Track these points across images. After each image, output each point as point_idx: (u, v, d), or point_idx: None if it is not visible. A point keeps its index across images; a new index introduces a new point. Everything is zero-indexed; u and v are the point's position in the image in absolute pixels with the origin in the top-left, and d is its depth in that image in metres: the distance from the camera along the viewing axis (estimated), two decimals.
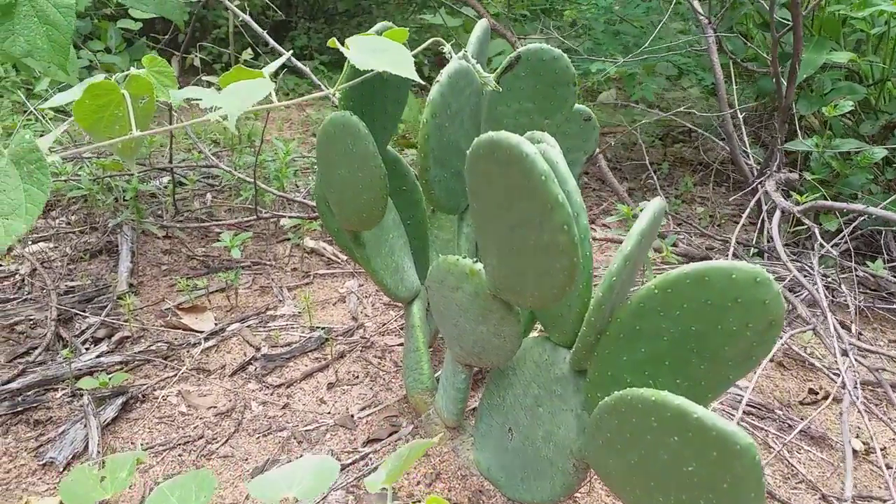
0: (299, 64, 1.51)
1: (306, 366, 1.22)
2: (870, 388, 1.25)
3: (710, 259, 1.75)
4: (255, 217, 1.71)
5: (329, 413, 1.10)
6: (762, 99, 2.10)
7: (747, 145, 1.65)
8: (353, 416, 1.09)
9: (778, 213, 1.41)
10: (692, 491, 0.60)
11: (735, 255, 1.61)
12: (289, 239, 1.70)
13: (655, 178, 2.19)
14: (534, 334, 0.92)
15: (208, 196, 1.91)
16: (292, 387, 1.16)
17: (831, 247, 1.48)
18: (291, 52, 0.90)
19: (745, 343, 0.67)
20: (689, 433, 0.57)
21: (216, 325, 1.35)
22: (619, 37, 2.11)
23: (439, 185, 0.83)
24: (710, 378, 0.70)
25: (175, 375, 1.16)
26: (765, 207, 1.54)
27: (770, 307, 0.64)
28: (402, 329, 1.36)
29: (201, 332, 1.32)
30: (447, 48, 0.83)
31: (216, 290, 1.48)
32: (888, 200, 1.51)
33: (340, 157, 0.82)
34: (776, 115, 1.48)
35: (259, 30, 1.48)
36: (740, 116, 1.59)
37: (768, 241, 1.57)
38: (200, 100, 0.73)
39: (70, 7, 0.92)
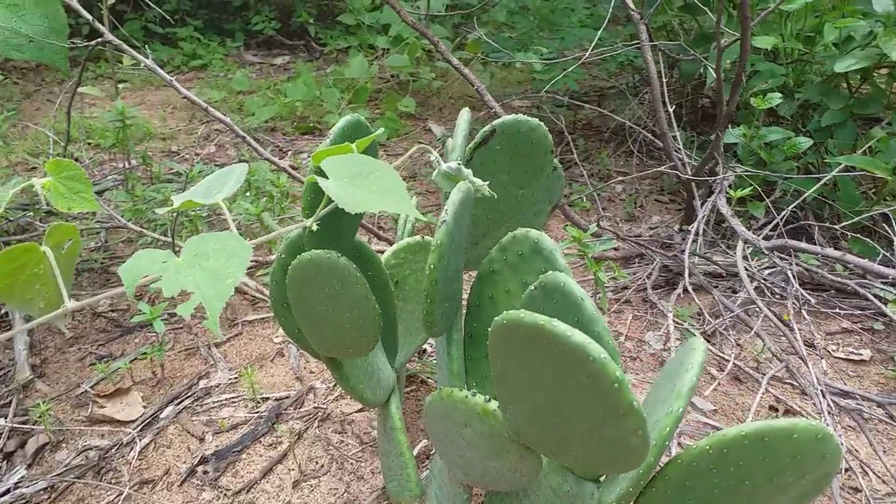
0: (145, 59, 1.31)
1: (262, 456, 1.10)
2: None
3: (644, 249, 1.75)
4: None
5: None
6: (684, 81, 2.08)
7: (680, 142, 1.62)
8: None
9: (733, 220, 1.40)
10: None
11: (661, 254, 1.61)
12: None
13: (575, 151, 2.15)
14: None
15: (101, 235, 1.69)
16: (253, 490, 1.04)
17: (762, 238, 1.49)
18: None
19: (798, 491, 0.63)
20: None
21: (145, 408, 1.20)
22: (528, 14, 2.01)
23: (441, 317, 0.73)
24: None
25: (118, 499, 1.02)
26: (702, 213, 1.52)
27: (829, 460, 0.61)
28: None
29: (131, 422, 1.16)
30: (434, 156, 0.71)
31: (136, 358, 1.32)
32: (818, 188, 1.53)
33: (324, 298, 0.70)
34: (717, 122, 1.45)
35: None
36: (671, 109, 1.55)
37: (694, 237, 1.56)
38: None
39: None
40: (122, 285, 0.57)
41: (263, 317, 1.47)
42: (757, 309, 1.43)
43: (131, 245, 1.69)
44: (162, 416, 1.18)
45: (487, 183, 0.74)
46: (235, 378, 1.28)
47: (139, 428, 1.15)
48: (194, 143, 2.49)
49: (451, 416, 0.73)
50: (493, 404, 0.69)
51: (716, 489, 0.63)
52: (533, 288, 0.70)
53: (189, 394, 1.23)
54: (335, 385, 1.26)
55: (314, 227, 0.68)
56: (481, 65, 3.03)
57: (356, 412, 1.20)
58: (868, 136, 1.69)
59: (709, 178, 1.51)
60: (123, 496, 1.02)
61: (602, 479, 0.73)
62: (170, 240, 1.36)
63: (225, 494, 1.03)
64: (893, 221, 1.45)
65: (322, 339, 0.75)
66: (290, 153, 2.47)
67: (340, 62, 3.47)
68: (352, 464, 1.09)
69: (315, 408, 1.21)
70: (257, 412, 1.19)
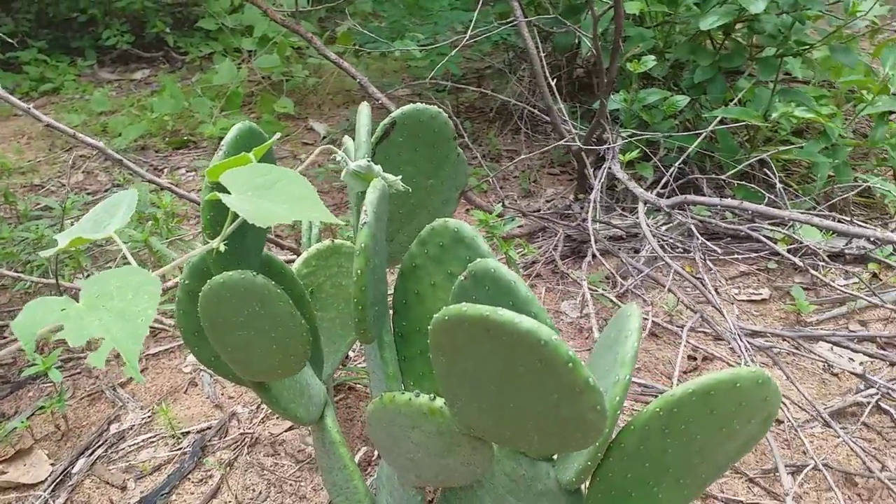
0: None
1: (193, 494, 1.04)
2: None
3: (547, 222, 1.78)
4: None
5: None
6: (558, 53, 2.12)
7: (566, 114, 1.65)
8: None
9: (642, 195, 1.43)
10: None
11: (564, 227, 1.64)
12: None
13: (465, 134, 2.15)
14: None
15: None
16: None
17: (655, 195, 1.54)
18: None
19: (745, 436, 0.65)
20: None
21: (53, 465, 1.10)
22: (396, 2, 1.98)
23: (373, 322, 0.70)
24: (710, 471, 0.68)
25: None
26: (597, 182, 1.56)
27: (770, 401, 0.63)
28: None
29: (39, 483, 1.07)
30: (340, 155, 0.68)
31: (34, 414, 1.21)
32: (700, 143, 1.60)
33: (243, 321, 0.65)
34: (599, 90, 1.48)
35: None
36: (552, 83, 1.57)
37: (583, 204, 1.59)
38: None
39: None
40: (15, 341, 0.51)
41: (167, 347, 1.38)
42: (662, 265, 1.48)
43: (6, 292, 1.54)
44: (74, 470, 1.09)
45: (399, 177, 0.71)
46: (149, 416, 1.20)
47: (50, 488, 1.05)
48: (59, 172, 2.31)
49: (396, 420, 0.71)
50: (439, 402, 0.67)
51: (669, 449, 0.64)
52: (462, 278, 0.69)
53: (100, 442, 1.14)
54: (259, 406, 1.21)
55: (221, 248, 0.63)
56: (354, 57, 2.98)
57: (285, 431, 1.15)
58: (735, 88, 1.79)
59: (600, 145, 1.55)
60: None
61: (555, 457, 0.73)
62: (52, 281, 1.25)
63: None
64: (772, 164, 1.54)
65: (247, 364, 0.70)
66: (166, 170, 2.34)
67: (206, 69, 3.31)
68: (291, 485, 1.05)
69: (241, 434, 1.15)
70: (180, 448, 1.12)
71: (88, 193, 2.12)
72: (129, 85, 3.37)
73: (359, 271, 0.63)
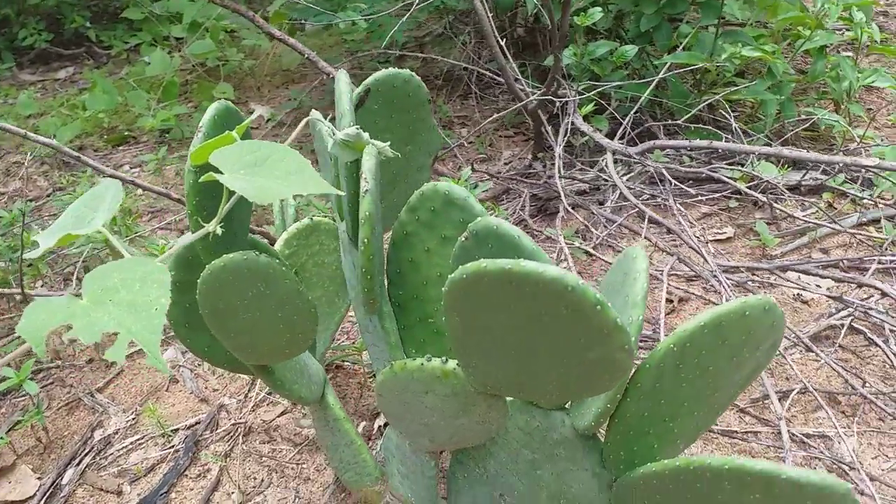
0: None
1: (192, 490, 1.02)
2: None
3: (512, 183, 1.78)
4: (19, 300, 1.35)
5: None
6: (500, 14, 2.10)
7: (518, 73, 1.65)
8: None
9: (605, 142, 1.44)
10: None
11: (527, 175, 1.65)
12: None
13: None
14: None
15: None
16: None
17: (618, 144, 1.56)
18: None
19: (753, 363, 0.67)
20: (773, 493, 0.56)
21: (40, 479, 1.06)
22: None
23: (380, 291, 0.69)
24: (722, 402, 0.70)
25: None
26: (560, 139, 1.56)
27: (776, 327, 0.64)
28: (269, 394, 1.19)
29: (28, 499, 1.03)
30: (327, 126, 0.67)
31: (12, 429, 1.16)
32: (651, 91, 1.62)
33: (248, 302, 0.63)
34: (553, 46, 1.48)
35: None
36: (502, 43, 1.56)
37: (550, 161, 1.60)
38: None
39: None
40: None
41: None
42: (631, 215, 1.51)
43: None
44: (63, 482, 1.05)
45: (388, 143, 0.70)
46: (133, 418, 1.17)
47: (41, 502, 1.02)
48: None
49: (409, 387, 0.70)
50: (451, 364, 0.67)
51: (684, 383, 0.66)
52: (463, 238, 0.68)
53: (86, 450, 1.11)
54: (247, 395, 1.19)
55: (218, 231, 0.61)
56: (290, 35, 2.91)
57: (279, 417, 1.14)
58: (679, 34, 1.81)
59: (556, 102, 1.55)
60: None
61: (568, 405, 0.74)
62: (16, 291, 1.19)
63: None
64: (725, 106, 1.57)
65: (253, 348, 0.68)
66: (109, 168, 2.26)
67: (134, 62, 3.19)
68: (292, 468, 1.04)
69: (233, 424, 1.13)
70: (171, 446, 1.09)
71: (30, 200, 2.03)
72: (54, 85, 3.22)
73: (365, 240, 0.62)
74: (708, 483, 0.60)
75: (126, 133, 2.47)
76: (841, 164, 1.12)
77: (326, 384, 0.90)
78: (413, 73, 0.83)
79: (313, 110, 0.74)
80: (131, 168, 2.23)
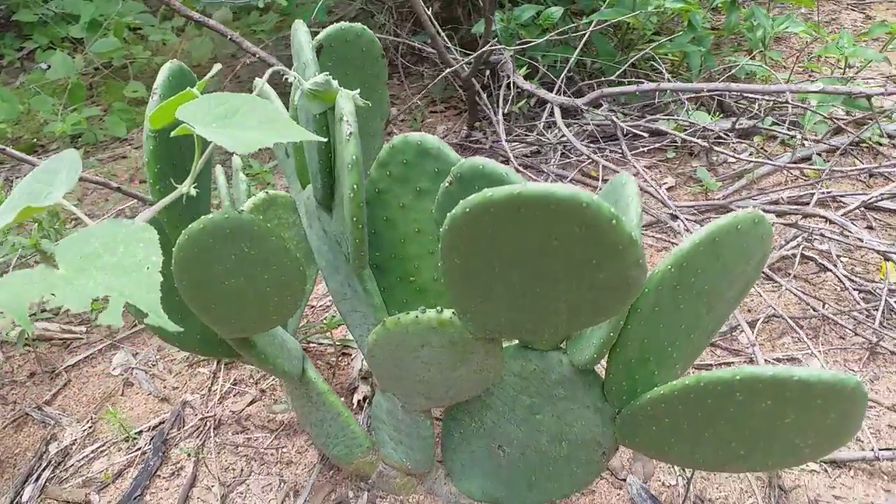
0: None
1: (167, 490, 0.96)
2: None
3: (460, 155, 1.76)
4: None
5: None
6: None
7: (448, 41, 1.63)
8: None
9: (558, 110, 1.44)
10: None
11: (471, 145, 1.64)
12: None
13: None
14: None
15: None
16: None
17: (564, 99, 1.57)
18: None
19: (745, 280, 0.68)
20: (787, 393, 0.57)
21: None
22: None
23: (368, 246, 0.66)
24: (715, 322, 0.71)
25: None
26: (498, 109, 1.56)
27: (765, 240, 0.66)
28: (234, 385, 1.14)
29: None
30: (293, 75, 0.63)
31: None
32: (579, 52, 1.64)
33: (230, 267, 0.59)
34: (484, 11, 1.47)
35: None
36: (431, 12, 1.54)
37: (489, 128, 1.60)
38: None
39: None
40: None
41: (86, 355, 1.26)
42: (581, 170, 1.52)
43: None
44: (24, 499, 0.98)
45: (357, 91, 0.67)
46: (90, 427, 1.10)
47: None
48: None
49: (404, 342, 0.68)
50: (447, 313, 0.65)
51: (681, 305, 0.66)
52: (447, 184, 0.66)
53: (43, 464, 1.03)
54: (211, 389, 1.13)
55: (192, 192, 0.57)
56: (196, 29, 2.80)
57: (248, 406, 1.09)
58: None
59: (489, 67, 1.55)
60: None
61: (563, 345, 0.73)
62: None
63: None
64: (656, 56, 1.60)
65: (237, 318, 0.65)
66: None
67: (30, 69, 3.00)
68: (272, 454, 1.00)
69: (201, 419, 1.07)
70: (138, 448, 1.03)
71: None
72: None
73: (354, 187, 0.59)
74: (718, 397, 0.60)
75: (33, 142, 2.32)
76: (788, 93, 1.16)
77: (305, 359, 0.87)
78: (365, 27, 0.81)
79: (273, 67, 0.70)
80: None
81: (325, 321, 1.16)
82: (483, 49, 1.45)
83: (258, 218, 0.58)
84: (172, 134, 0.58)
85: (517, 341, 0.74)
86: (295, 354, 0.83)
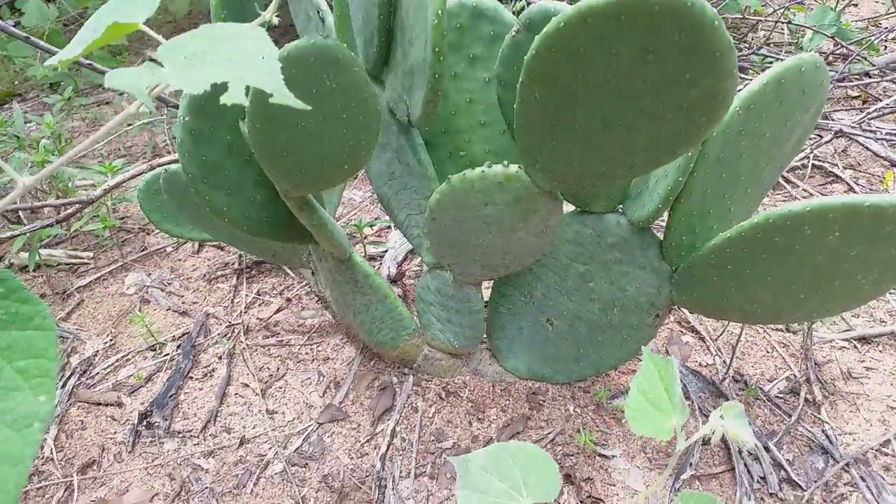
0: None
1: (202, 390, 0.95)
2: None
3: None
4: None
5: (294, 420, 0.89)
6: None
7: None
8: (329, 404, 0.90)
9: None
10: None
11: None
12: (11, 266, 1.25)
13: None
14: None
15: None
16: (220, 418, 0.90)
17: None
18: None
19: (802, 129, 0.70)
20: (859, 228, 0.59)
21: None
22: None
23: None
24: (774, 174, 0.72)
25: (67, 495, 0.82)
26: None
27: (824, 86, 0.67)
28: (258, 296, 1.13)
29: None
30: None
31: None
32: None
33: (311, 103, 0.59)
34: None
35: None
36: None
37: None
38: None
39: None
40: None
41: (97, 276, 1.23)
42: None
43: None
44: (67, 410, 0.96)
45: None
46: (111, 340, 1.08)
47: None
48: None
49: (468, 201, 0.68)
50: (514, 167, 0.65)
51: (743, 153, 0.67)
52: (514, 32, 0.66)
53: (68, 374, 1.01)
54: (233, 300, 1.12)
55: (275, 21, 0.56)
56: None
57: (275, 314, 1.09)
58: None
59: None
60: (73, 489, 0.82)
61: (620, 208, 0.74)
62: None
63: (190, 436, 0.88)
64: None
65: (309, 167, 0.64)
66: None
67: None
68: (307, 352, 0.99)
69: (228, 326, 1.06)
70: (166, 355, 1.02)
71: None
72: None
73: (439, 12, 0.58)
74: (787, 232, 0.62)
75: (14, 88, 2.25)
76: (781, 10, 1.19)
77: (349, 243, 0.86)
78: None
79: None
80: (26, 123, 2.04)
81: (354, 224, 1.15)
82: None
83: (342, 45, 0.57)
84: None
85: (574, 208, 0.75)
86: (341, 234, 0.83)
